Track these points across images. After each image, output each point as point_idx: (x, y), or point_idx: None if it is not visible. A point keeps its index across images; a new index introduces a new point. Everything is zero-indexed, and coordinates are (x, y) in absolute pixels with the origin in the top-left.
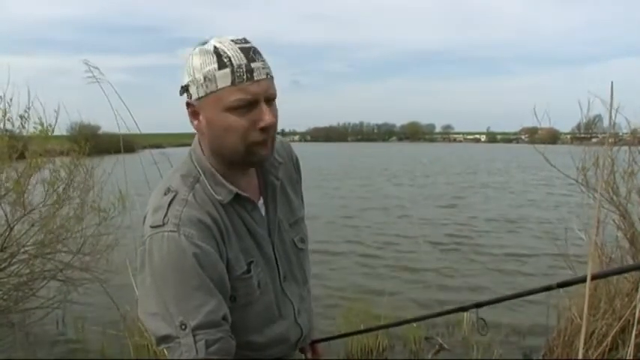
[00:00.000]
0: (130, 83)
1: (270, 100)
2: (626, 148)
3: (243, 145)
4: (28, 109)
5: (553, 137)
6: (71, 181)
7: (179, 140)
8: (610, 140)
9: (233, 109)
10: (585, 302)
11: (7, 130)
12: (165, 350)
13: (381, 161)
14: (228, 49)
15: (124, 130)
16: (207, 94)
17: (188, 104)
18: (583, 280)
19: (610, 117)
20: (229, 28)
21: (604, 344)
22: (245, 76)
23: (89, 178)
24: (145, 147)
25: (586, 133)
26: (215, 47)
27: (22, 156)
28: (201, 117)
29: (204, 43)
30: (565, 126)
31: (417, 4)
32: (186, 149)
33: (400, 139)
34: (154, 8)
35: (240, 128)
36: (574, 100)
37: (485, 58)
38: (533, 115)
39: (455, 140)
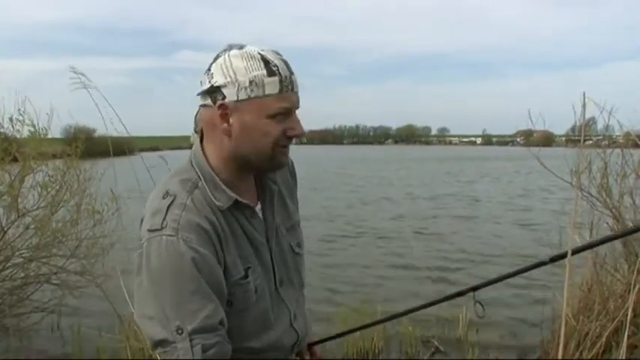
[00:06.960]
0: (127, 85)
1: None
2: (618, 150)
3: (271, 151)
4: (23, 112)
5: (548, 140)
6: (65, 183)
7: (176, 143)
8: (604, 143)
9: (274, 116)
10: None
11: None
12: (160, 354)
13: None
14: (274, 59)
15: (116, 134)
16: (249, 98)
17: (221, 105)
18: (578, 250)
19: (582, 127)
20: (228, 31)
21: (598, 345)
22: (290, 87)
23: (83, 181)
24: (142, 150)
25: (579, 136)
26: (260, 54)
27: (14, 159)
28: (233, 120)
29: (240, 47)
30: (560, 129)
31: (414, 8)
32: (184, 152)
33: (396, 142)
34: (150, 11)
35: (275, 134)
36: (569, 103)
37: (481, 61)
38: (528, 117)
39: (450, 143)
